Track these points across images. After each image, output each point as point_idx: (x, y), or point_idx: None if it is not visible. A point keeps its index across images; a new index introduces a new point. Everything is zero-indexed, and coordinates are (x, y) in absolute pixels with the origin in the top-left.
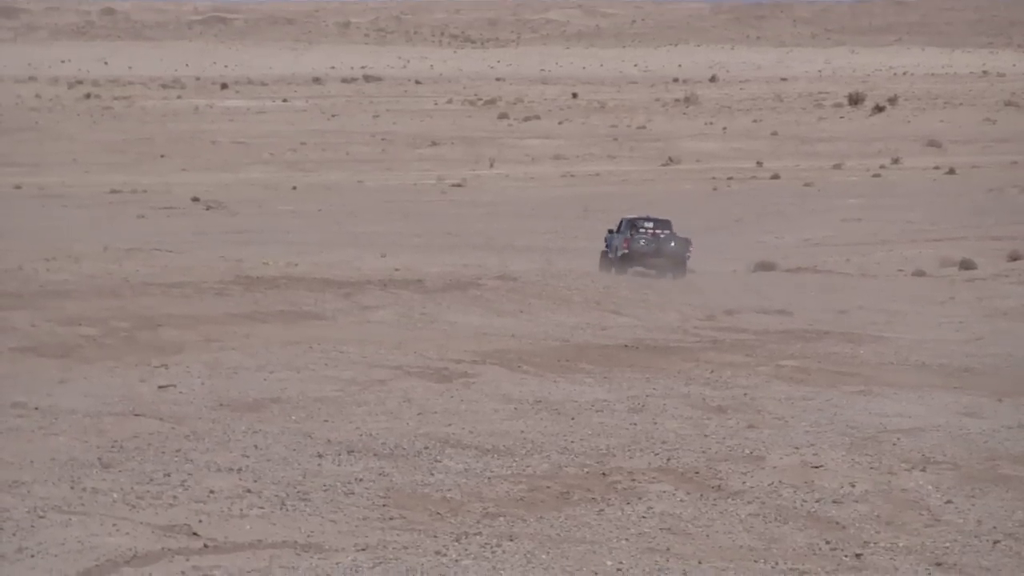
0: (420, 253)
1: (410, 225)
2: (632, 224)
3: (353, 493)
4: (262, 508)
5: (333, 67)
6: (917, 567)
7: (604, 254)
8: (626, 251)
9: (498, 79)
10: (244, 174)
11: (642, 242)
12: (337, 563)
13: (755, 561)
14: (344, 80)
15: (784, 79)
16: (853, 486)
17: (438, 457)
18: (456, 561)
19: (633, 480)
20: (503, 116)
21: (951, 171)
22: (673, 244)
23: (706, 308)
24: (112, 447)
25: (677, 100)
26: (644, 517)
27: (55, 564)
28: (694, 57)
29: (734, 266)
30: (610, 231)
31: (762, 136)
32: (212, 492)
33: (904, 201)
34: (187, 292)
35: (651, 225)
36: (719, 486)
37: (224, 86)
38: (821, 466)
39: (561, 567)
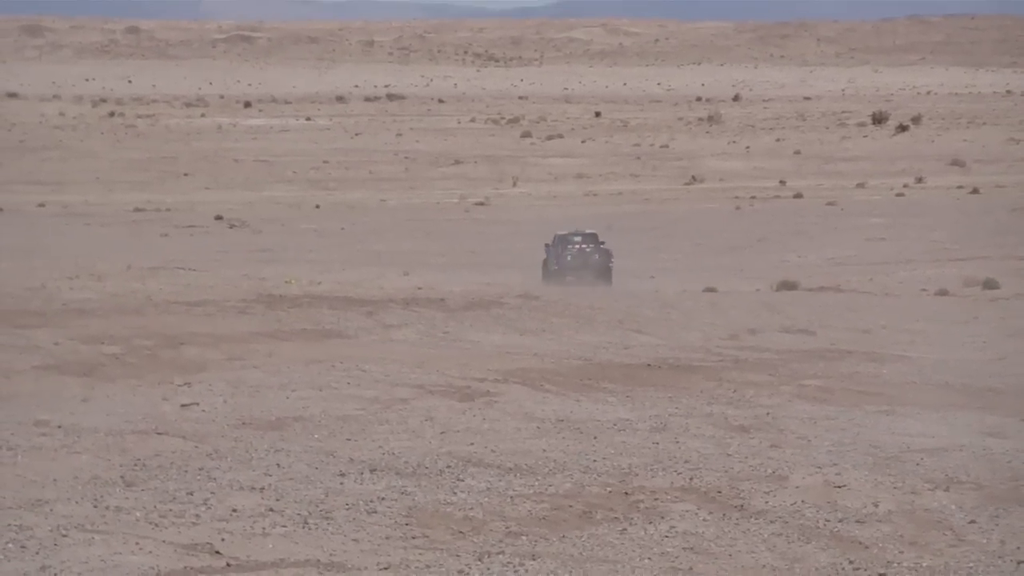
0: (443, 272)
1: (433, 244)
2: (562, 239)
3: (376, 512)
4: (285, 527)
5: (356, 85)
6: None
7: (544, 265)
8: (556, 267)
9: (521, 98)
10: (267, 192)
11: (569, 257)
12: None
13: None
14: (367, 98)
15: (807, 98)
16: (876, 506)
17: (460, 476)
18: None
19: (656, 499)
20: (526, 135)
21: (975, 190)
22: (597, 256)
23: (729, 327)
24: (135, 465)
25: (700, 119)
26: (667, 536)
27: None
28: (717, 76)
29: (757, 285)
30: (546, 245)
31: (785, 155)
32: (235, 511)
33: (927, 220)
34: (210, 310)
35: (579, 240)
36: (742, 505)
37: (247, 104)
38: (844, 486)
39: None
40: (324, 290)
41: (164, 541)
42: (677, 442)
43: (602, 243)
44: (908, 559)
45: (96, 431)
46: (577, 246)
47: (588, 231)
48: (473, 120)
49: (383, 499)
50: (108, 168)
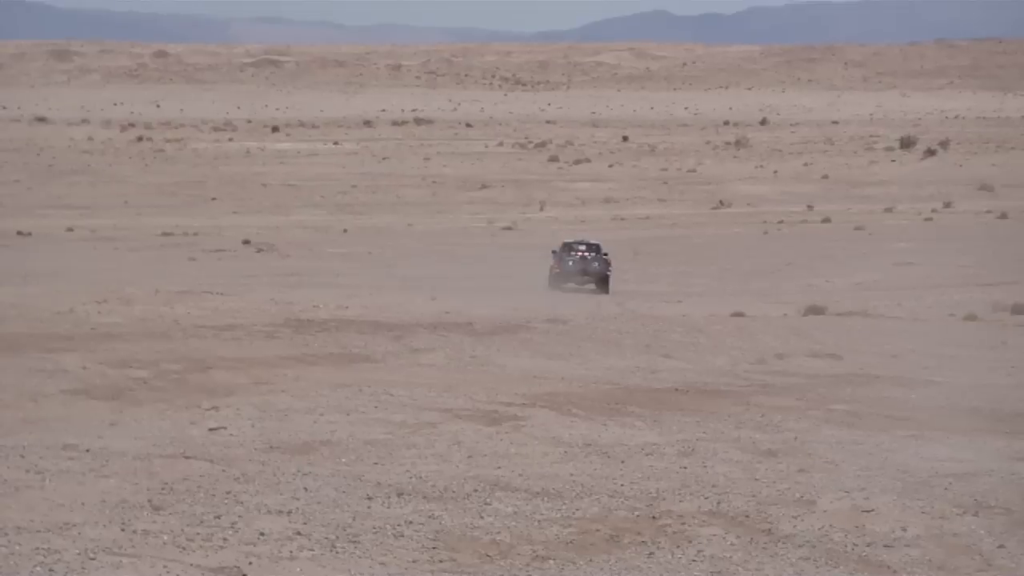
0: (470, 296)
1: (460, 268)
2: (567, 247)
3: (403, 536)
4: (312, 551)
5: (384, 110)
6: None
7: (551, 269)
8: (558, 271)
9: (549, 122)
10: (295, 216)
11: (571, 263)
12: None
13: None
14: (395, 123)
15: (835, 122)
16: (904, 530)
17: (488, 500)
18: None
19: (683, 524)
20: (553, 159)
21: (1003, 215)
22: (596, 265)
23: (756, 352)
24: (162, 489)
25: (728, 143)
26: (694, 561)
27: None
28: (745, 100)
29: (784, 310)
30: (553, 252)
31: (813, 179)
32: (262, 534)
33: (956, 245)
34: (238, 335)
35: (583, 248)
36: (769, 530)
37: (275, 129)
38: (872, 510)
39: None
40: (352, 314)
41: (192, 564)
42: (705, 466)
43: (605, 254)
44: None
45: (124, 455)
46: (580, 254)
47: (592, 241)
48: (500, 144)
49: (410, 523)
50: (136, 192)
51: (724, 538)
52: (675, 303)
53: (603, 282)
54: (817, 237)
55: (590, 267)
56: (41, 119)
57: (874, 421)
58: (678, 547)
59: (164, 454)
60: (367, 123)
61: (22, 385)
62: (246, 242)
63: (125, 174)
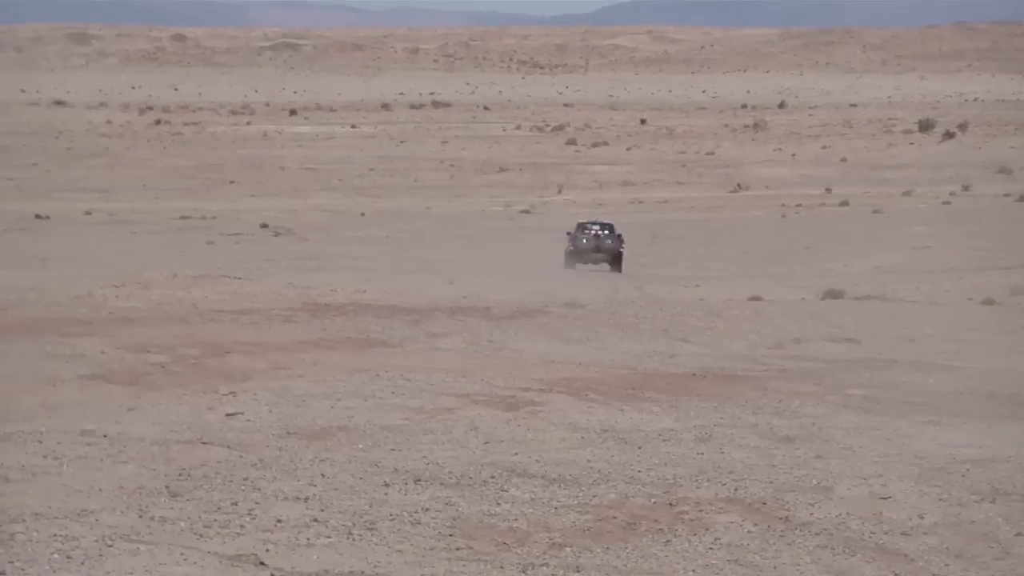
0: (487, 280)
1: (478, 252)
2: (581, 227)
3: (420, 523)
4: (329, 538)
5: (402, 93)
6: None
7: (566, 249)
8: (572, 248)
9: (566, 105)
10: (312, 200)
11: (584, 241)
12: None
13: None
14: (413, 106)
15: (853, 105)
16: (922, 518)
17: (504, 486)
18: None
19: (700, 511)
20: (571, 142)
21: (1022, 198)
22: (610, 243)
23: (774, 336)
24: (180, 475)
25: (746, 126)
26: (711, 548)
27: None
28: (763, 83)
29: (802, 294)
30: (568, 233)
31: (831, 162)
32: (279, 521)
33: (974, 228)
34: (255, 319)
35: (597, 228)
36: (787, 517)
37: (293, 112)
38: (889, 497)
39: None
40: (369, 299)
41: (209, 552)
42: (722, 452)
43: (618, 234)
44: (954, 572)
45: (142, 440)
46: (593, 232)
47: (606, 221)
48: (518, 127)
49: (427, 510)
50: (154, 176)
51: (741, 525)
52: (693, 287)
53: (616, 260)
54: (835, 220)
55: (603, 244)
56: (59, 103)
57: (892, 406)
58: (695, 534)
59: (182, 440)
60: (385, 106)
61: (40, 370)
62: (264, 226)
63: (143, 157)
